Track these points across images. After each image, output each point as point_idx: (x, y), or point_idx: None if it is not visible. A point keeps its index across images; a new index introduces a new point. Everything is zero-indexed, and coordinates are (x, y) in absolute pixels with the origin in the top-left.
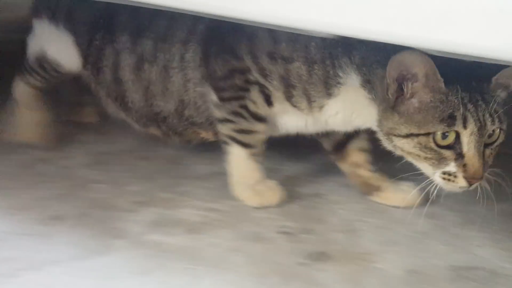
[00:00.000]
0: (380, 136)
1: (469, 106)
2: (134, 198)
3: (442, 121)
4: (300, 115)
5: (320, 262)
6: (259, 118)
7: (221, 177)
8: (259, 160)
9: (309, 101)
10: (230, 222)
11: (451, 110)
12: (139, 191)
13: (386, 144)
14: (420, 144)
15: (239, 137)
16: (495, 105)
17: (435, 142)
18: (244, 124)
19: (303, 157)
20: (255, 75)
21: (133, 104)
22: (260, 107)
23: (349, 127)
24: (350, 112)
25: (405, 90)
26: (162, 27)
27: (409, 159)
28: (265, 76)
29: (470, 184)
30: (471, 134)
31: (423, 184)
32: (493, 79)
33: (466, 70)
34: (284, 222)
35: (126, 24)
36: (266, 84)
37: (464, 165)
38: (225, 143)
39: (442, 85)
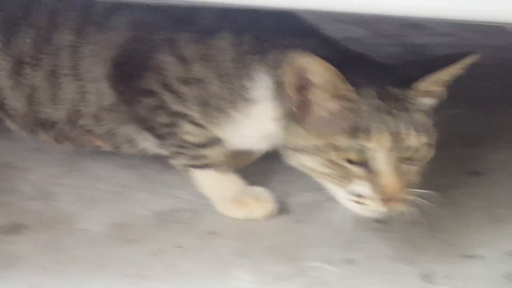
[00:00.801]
0: (283, 151)
1: (385, 116)
2: None
3: (352, 133)
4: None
5: (13, 235)
6: (204, 145)
7: None
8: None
9: (227, 119)
10: None
11: (362, 121)
12: None
13: (290, 160)
14: (328, 160)
15: (198, 163)
16: (419, 115)
17: (344, 158)
18: (194, 151)
19: None
20: (174, 106)
21: (15, 112)
22: (197, 136)
23: (261, 147)
24: (260, 134)
25: (309, 99)
26: (43, 22)
27: (316, 177)
28: (183, 102)
29: (387, 207)
30: (385, 150)
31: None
32: (415, 85)
33: (386, 72)
34: None
35: None
36: (187, 111)
37: (379, 185)
38: (186, 170)
39: (352, 93)
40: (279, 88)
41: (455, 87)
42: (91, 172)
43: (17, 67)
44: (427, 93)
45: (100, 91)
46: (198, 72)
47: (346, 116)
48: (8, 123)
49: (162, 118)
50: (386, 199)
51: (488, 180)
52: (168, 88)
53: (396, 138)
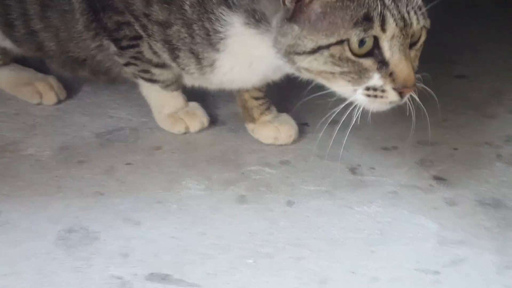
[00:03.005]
0: (279, 59)
1: (388, 1)
2: None
3: (356, 24)
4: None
5: None
6: (157, 65)
7: None
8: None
9: (198, 60)
10: None
11: (365, 10)
12: None
13: (288, 67)
14: (333, 57)
15: (146, 76)
16: None
17: (351, 51)
18: (147, 66)
19: None
20: (139, 30)
21: (53, 52)
22: (153, 56)
23: (255, 80)
24: (247, 64)
25: None
26: None
27: (320, 80)
28: (148, 35)
29: (402, 96)
30: (392, 38)
31: (339, 108)
32: None
33: None
34: None
35: None
36: (151, 42)
37: (391, 74)
38: (135, 77)
39: None
40: (254, 13)
41: None
42: (21, 102)
43: (43, 10)
44: None
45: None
46: (158, 14)
47: (346, 6)
48: (49, 63)
49: (129, 31)
50: (401, 87)
51: None
52: (134, 15)
53: (401, 23)
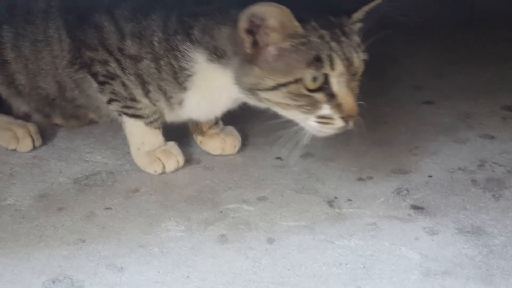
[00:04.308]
0: (241, 93)
1: (333, 44)
2: None
3: (308, 64)
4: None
5: None
6: (134, 100)
7: None
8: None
9: (166, 97)
10: None
11: (315, 52)
12: None
13: (250, 100)
14: (291, 92)
15: (130, 111)
16: (356, 37)
17: (305, 87)
18: (128, 102)
19: None
20: (113, 67)
21: (23, 87)
22: (128, 93)
23: (218, 112)
24: (211, 97)
25: (259, 39)
26: None
27: (277, 109)
28: (122, 69)
29: (347, 123)
30: (340, 75)
31: (291, 134)
32: (354, 15)
33: (325, 7)
34: None
35: None
36: (124, 78)
37: (339, 105)
38: (120, 115)
39: (300, 29)
40: (215, 50)
41: None
42: (1, 148)
43: (16, 38)
44: (360, 19)
45: (62, 48)
46: (130, 48)
47: (299, 50)
48: (24, 106)
49: (101, 69)
50: (347, 116)
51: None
52: (109, 50)
53: (346, 62)
